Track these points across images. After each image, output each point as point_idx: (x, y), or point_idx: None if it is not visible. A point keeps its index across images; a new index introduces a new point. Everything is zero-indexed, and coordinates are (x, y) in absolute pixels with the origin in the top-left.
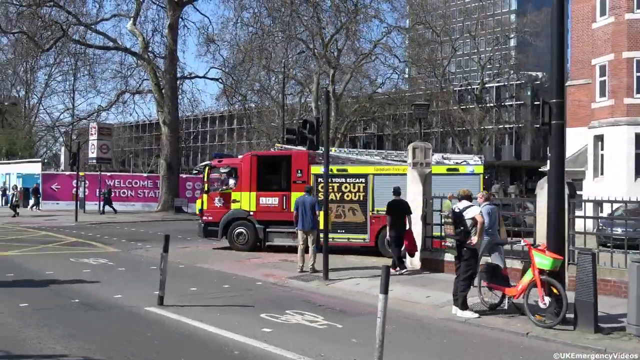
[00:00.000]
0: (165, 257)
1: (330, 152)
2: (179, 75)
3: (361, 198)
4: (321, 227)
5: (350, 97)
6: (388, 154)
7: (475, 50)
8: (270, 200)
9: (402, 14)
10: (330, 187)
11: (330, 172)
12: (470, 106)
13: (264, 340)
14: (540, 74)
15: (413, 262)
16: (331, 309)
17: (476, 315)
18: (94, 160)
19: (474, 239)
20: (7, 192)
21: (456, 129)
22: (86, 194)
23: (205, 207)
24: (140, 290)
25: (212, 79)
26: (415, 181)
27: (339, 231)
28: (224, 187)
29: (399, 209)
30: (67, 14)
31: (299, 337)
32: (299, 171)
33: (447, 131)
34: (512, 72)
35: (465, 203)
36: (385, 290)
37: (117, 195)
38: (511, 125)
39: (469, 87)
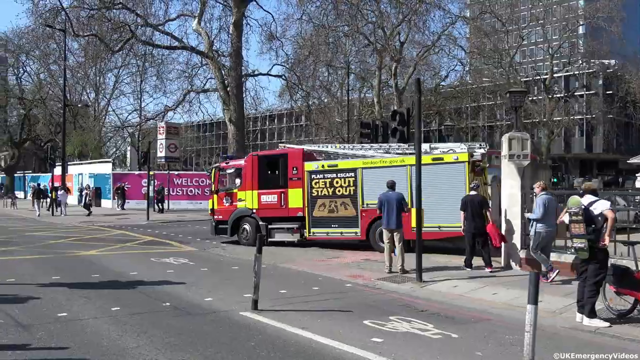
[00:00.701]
0: (259, 259)
1: (325, 148)
2: (243, 72)
3: (352, 192)
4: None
5: (413, 91)
6: (390, 147)
7: (543, 39)
8: (270, 198)
9: (466, 3)
10: (323, 183)
11: (321, 168)
12: (539, 97)
13: (378, 353)
14: (612, 62)
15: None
16: (436, 315)
17: (607, 324)
18: (163, 160)
19: (606, 239)
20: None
21: (524, 121)
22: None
23: (215, 206)
24: (229, 293)
25: (275, 75)
26: (512, 174)
27: (332, 226)
28: (231, 187)
29: (474, 204)
30: (135, 15)
31: (416, 349)
32: (295, 168)
33: (512, 124)
34: (582, 60)
35: (590, 198)
36: (534, 300)
37: (184, 193)
38: (581, 117)
39: (538, 78)
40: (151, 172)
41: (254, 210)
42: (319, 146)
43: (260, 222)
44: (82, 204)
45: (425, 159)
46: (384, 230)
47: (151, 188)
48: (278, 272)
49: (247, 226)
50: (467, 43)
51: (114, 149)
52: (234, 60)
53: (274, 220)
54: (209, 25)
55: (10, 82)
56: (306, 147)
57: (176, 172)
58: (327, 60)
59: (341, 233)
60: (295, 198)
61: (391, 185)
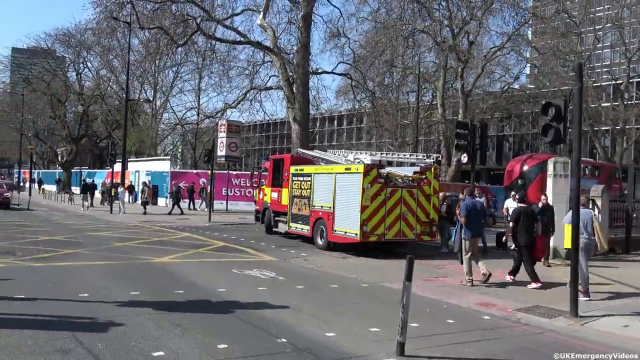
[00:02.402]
0: (408, 289)
1: (311, 152)
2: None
3: (308, 194)
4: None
5: (482, 93)
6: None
7: (620, 41)
8: (274, 195)
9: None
10: (297, 184)
11: (296, 172)
12: (614, 103)
13: None
14: None
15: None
16: None
17: None
18: (223, 159)
19: None
20: (136, 189)
21: (596, 128)
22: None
23: (256, 198)
24: (349, 325)
25: (340, 74)
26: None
27: (299, 222)
28: (262, 183)
29: (529, 215)
30: (200, 9)
31: None
32: (286, 171)
33: (586, 131)
34: None
35: None
36: None
37: (242, 194)
38: None
39: (614, 82)
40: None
41: (269, 204)
42: (313, 151)
43: (272, 214)
44: (140, 201)
45: (339, 168)
46: (467, 240)
47: (217, 188)
48: (387, 294)
49: (266, 216)
50: (540, 43)
51: (171, 147)
52: (301, 56)
53: (279, 214)
54: (275, 20)
55: (70, 78)
56: (304, 151)
57: (234, 172)
58: (386, 60)
59: (302, 229)
60: (285, 196)
61: (470, 193)
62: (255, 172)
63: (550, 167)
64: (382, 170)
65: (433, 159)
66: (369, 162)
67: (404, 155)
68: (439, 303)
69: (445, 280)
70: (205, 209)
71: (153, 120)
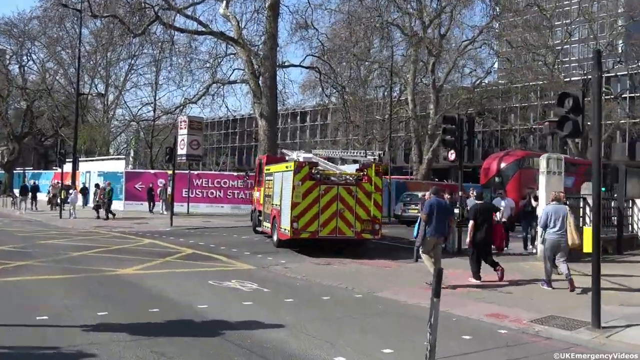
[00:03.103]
0: (436, 306)
1: (290, 153)
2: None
3: (271, 193)
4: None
5: (454, 87)
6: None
7: (591, 36)
8: (257, 194)
9: None
10: (266, 183)
11: (266, 171)
12: (587, 99)
13: None
14: None
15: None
16: None
17: None
18: (184, 157)
19: None
20: (89, 191)
21: None
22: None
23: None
24: (357, 346)
25: (309, 67)
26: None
27: (266, 220)
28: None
29: (486, 212)
30: None
31: None
32: (263, 171)
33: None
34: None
35: None
36: None
37: (204, 195)
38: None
39: (585, 77)
40: (170, 171)
41: (255, 205)
42: (291, 152)
43: (257, 213)
44: (94, 205)
45: (282, 167)
46: (428, 238)
47: (169, 189)
48: (387, 306)
49: (252, 216)
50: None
51: (125, 145)
52: (269, 47)
53: (261, 213)
54: (239, 9)
55: (12, 72)
56: (285, 151)
57: (196, 172)
58: (362, 52)
59: (267, 227)
60: (262, 196)
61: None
62: (250, 174)
63: (542, 163)
64: (320, 168)
65: (375, 156)
66: (302, 160)
67: (351, 153)
68: (445, 315)
69: (449, 288)
70: (165, 212)
71: (105, 117)
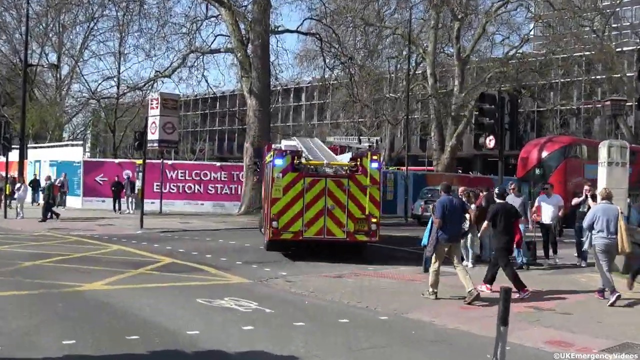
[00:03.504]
0: (504, 337)
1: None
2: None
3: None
4: None
5: (481, 60)
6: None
7: None
8: (262, 190)
9: None
10: (265, 177)
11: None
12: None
13: None
14: None
15: None
16: None
17: None
18: (156, 144)
19: None
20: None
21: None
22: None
23: None
24: None
25: (307, 33)
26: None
27: (263, 220)
28: None
29: (508, 213)
30: None
31: None
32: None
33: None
34: None
35: None
36: None
37: (180, 190)
38: None
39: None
40: (139, 161)
41: (262, 202)
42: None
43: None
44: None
45: (269, 158)
46: (441, 246)
47: (138, 182)
48: (422, 332)
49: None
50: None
51: (82, 129)
52: (261, 9)
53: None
54: None
55: None
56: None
57: (170, 162)
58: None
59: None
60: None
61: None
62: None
63: (602, 153)
64: (308, 159)
65: (371, 143)
66: (283, 149)
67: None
68: (492, 341)
69: (487, 307)
70: (132, 212)
71: (58, 94)
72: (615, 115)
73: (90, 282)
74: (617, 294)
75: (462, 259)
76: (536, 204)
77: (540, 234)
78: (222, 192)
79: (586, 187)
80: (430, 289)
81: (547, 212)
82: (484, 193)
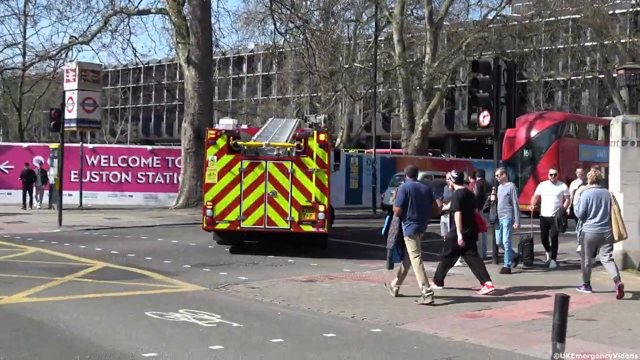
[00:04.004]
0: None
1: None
2: None
3: None
4: None
5: (457, 24)
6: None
7: None
8: None
9: None
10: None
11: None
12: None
13: None
14: None
15: None
16: None
17: None
18: (74, 124)
19: None
20: None
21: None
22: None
23: None
24: None
25: None
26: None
27: None
28: None
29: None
30: None
31: None
32: None
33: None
34: None
35: None
36: None
37: (104, 180)
38: None
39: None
40: (54, 145)
41: None
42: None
43: None
44: None
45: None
46: (409, 238)
47: (54, 170)
48: (426, 347)
49: None
50: None
51: None
52: None
53: None
54: None
55: None
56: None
57: (91, 146)
58: None
59: None
60: None
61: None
62: None
63: (616, 130)
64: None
65: (318, 120)
66: (220, 128)
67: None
68: (508, 355)
69: (494, 314)
70: (38, 206)
71: None
72: (631, 86)
73: (9, 295)
74: (589, 291)
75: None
76: (536, 192)
77: (537, 228)
78: (155, 181)
79: (579, 170)
80: (424, 289)
81: (550, 203)
82: (478, 179)
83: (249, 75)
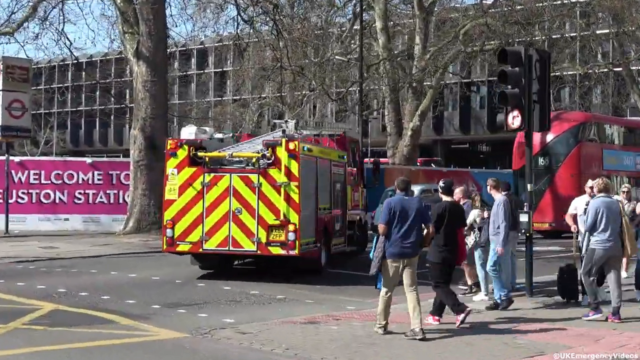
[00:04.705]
0: None
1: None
2: None
3: None
4: None
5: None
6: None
7: None
8: None
9: None
10: None
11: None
12: None
13: None
14: None
15: None
16: None
17: None
18: None
19: None
20: None
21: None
22: None
23: None
24: None
25: None
26: None
27: None
28: None
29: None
30: None
31: None
32: None
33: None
34: None
35: None
36: None
37: (33, 200)
38: None
39: None
40: None
41: None
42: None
43: None
44: None
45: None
46: (387, 262)
47: None
48: None
49: None
50: None
51: None
52: None
53: None
54: None
55: None
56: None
57: (17, 160)
58: None
59: None
60: None
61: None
62: None
63: None
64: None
65: (285, 127)
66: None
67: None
68: None
69: None
70: None
71: None
72: None
73: None
74: (600, 314)
75: (472, 287)
76: (571, 209)
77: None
78: (96, 201)
79: (589, 184)
80: (378, 322)
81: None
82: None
83: (199, 72)
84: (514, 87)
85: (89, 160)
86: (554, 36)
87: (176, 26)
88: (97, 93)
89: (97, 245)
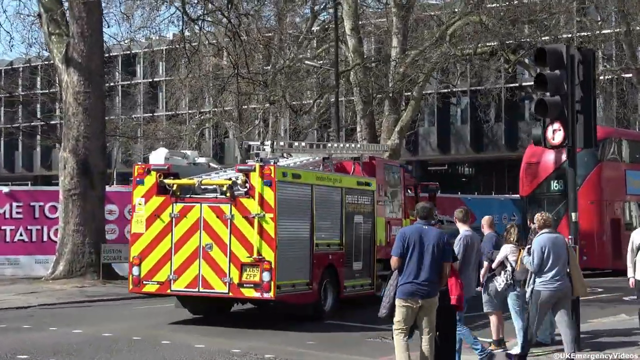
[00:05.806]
0: None
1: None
2: None
3: None
4: None
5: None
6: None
7: None
8: None
9: None
10: None
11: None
12: None
13: None
14: None
15: None
16: None
17: None
18: None
19: None
20: None
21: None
22: None
23: None
24: None
25: None
26: None
27: None
28: None
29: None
30: None
31: None
32: None
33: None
34: None
35: None
36: None
37: None
38: None
39: None
40: None
41: None
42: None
43: None
44: None
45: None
46: (400, 304)
47: None
48: None
49: None
50: None
51: None
52: None
53: None
54: None
55: None
56: None
57: None
58: None
59: None
60: None
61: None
62: None
63: None
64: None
65: (261, 149)
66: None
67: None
68: None
69: None
70: None
71: None
72: None
73: None
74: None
75: (501, 340)
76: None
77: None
78: (14, 239)
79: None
80: None
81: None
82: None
83: (124, 82)
84: (554, 94)
85: (5, 189)
86: (559, 36)
87: (109, 26)
88: (20, 107)
89: (23, 294)
